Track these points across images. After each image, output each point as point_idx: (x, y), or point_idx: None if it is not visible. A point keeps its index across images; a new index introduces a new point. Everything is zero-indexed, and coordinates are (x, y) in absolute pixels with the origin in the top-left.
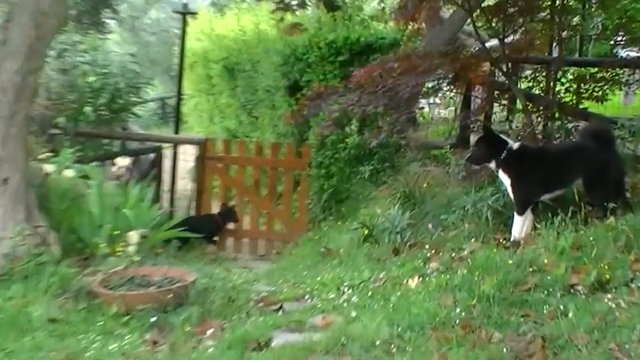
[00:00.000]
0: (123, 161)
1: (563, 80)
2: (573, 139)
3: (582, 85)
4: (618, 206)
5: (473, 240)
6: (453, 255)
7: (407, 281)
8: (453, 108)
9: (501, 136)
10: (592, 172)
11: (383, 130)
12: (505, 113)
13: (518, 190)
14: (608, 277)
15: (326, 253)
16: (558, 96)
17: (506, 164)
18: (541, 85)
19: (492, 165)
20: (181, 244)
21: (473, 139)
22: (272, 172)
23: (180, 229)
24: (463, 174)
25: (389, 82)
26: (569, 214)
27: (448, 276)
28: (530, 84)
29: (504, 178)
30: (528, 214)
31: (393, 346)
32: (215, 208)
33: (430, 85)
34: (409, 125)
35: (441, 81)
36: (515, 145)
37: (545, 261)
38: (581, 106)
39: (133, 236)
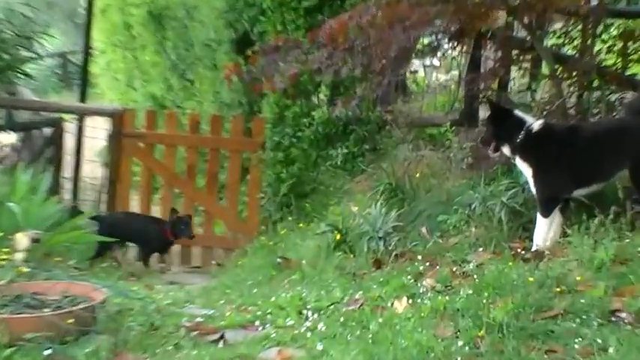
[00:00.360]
0: (8, 138)
1: (604, 37)
2: (617, 116)
3: (630, 43)
4: None
5: (481, 249)
6: (455, 269)
7: (392, 304)
8: (456, 72)
9: (516, 112)
10: None
11: (356, 98)
12: (526, 80)
13: (541, 183)
14: None
15: (284, 265)
16: (598, 58)
17: (524, 149)
18: (575, 43)
19: (507, 150)
20: (96, 254)
21: (483, 114)
22: (212, 155)
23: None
24: (469, 161)
25: (370, 36)
26: (611, 216)
27: (447, 297)
28: (561, 41)
29: (524, 168)
30: (556, 216)
31: None
32: (135, 203)
33: (426, 41)
34: (397, 94)
35: (440, 36)
36: (537, 124)
37: (578, 278)
38: (628, 72)
39: (22, 239)
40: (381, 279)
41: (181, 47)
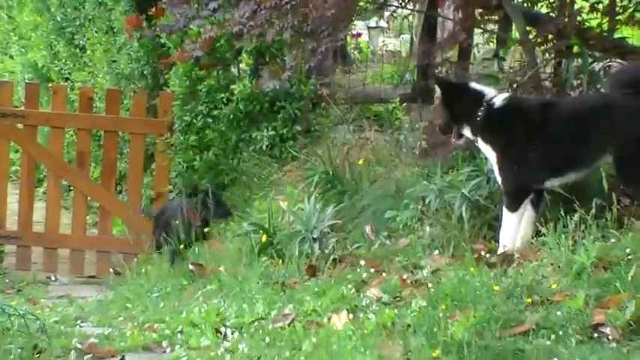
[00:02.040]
0: None
1: None
2: (601, 90)
3: (617, 1)
4: None
5: (437, 252)
6: (405, 276)
7: (329, 319)
8: (407, 36)
9: (472, 84)
10: (629, 145)
11: (288, 68)
12: (493, 45)
13: (507, 171)
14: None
15: (198, 273)
16: (579, 17)
17: (486, 129)
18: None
19: (467, 132)
20: None
21: None
22: (109, 138)
23: None
24: (423, 145)
25: None
26: (594, 211)
27: (396, 310)
28: None
29: (487, 152)
30: (526, 211)
31: None
32: (13, 199)
33: None
34: (335, 63)
35: None
36: (500, 98)
37: (554, 287)
38: (615, 35)
39: None
40: (316, 289)
41: (69, 5)
